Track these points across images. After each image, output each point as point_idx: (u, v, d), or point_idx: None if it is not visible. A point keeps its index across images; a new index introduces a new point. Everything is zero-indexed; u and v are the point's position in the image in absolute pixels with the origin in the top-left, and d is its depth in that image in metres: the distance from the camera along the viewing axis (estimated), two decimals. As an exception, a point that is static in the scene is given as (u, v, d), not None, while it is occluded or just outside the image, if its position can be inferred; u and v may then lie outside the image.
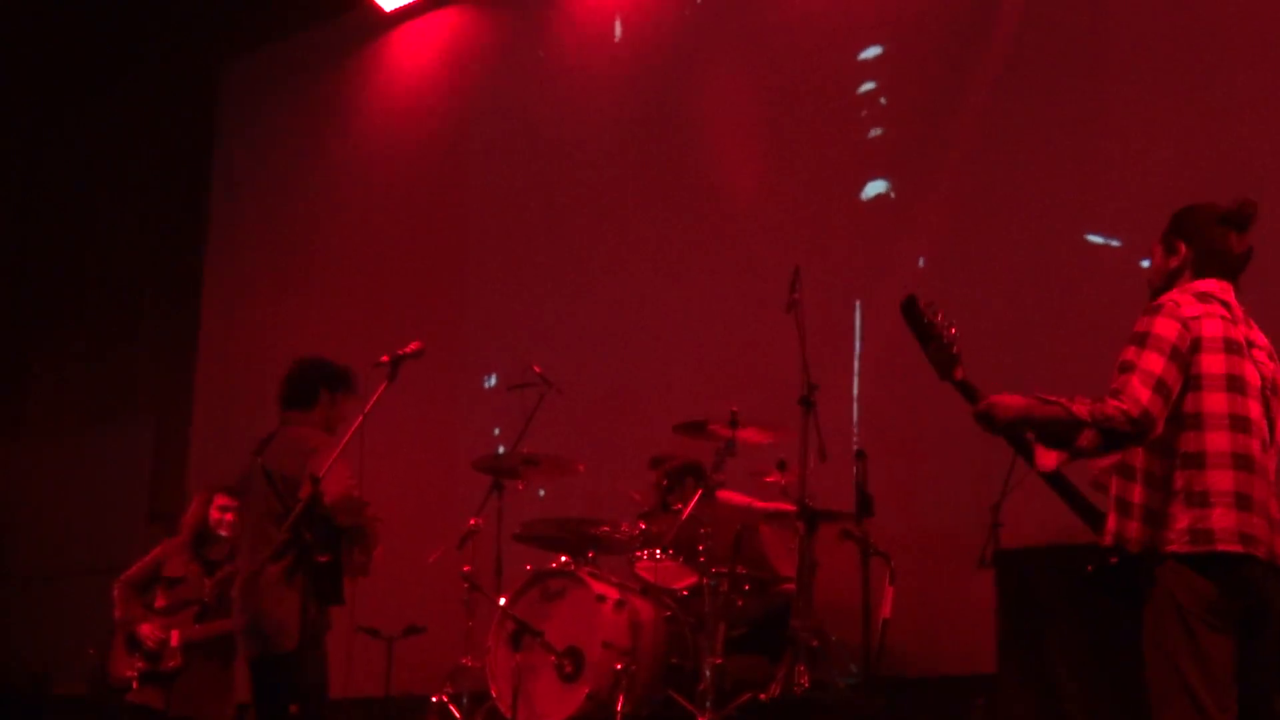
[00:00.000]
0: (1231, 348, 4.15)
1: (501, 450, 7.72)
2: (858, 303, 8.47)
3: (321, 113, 11.79)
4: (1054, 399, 4.08)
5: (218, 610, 7.22)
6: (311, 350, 10.50)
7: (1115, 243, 7.65)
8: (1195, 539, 3.99)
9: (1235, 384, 4.11)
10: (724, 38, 9.55)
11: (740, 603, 6.85)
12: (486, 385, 9.97)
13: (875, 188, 8.61)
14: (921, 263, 8.32)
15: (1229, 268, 4.31)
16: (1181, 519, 4.02)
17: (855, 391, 8.32)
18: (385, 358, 6.04)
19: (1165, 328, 4.11)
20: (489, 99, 10.72)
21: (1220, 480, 4.02)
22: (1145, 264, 7.26)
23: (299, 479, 5.74)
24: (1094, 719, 5.97)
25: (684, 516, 6.94)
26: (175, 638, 7.13)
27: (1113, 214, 7.65)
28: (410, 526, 7.95)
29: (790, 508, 6.75)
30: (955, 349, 4.30)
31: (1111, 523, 4.21)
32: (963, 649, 7.22)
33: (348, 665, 6.11)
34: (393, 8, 11.35)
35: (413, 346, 6.07)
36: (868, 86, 8.79)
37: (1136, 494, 4.13)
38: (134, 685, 7.12)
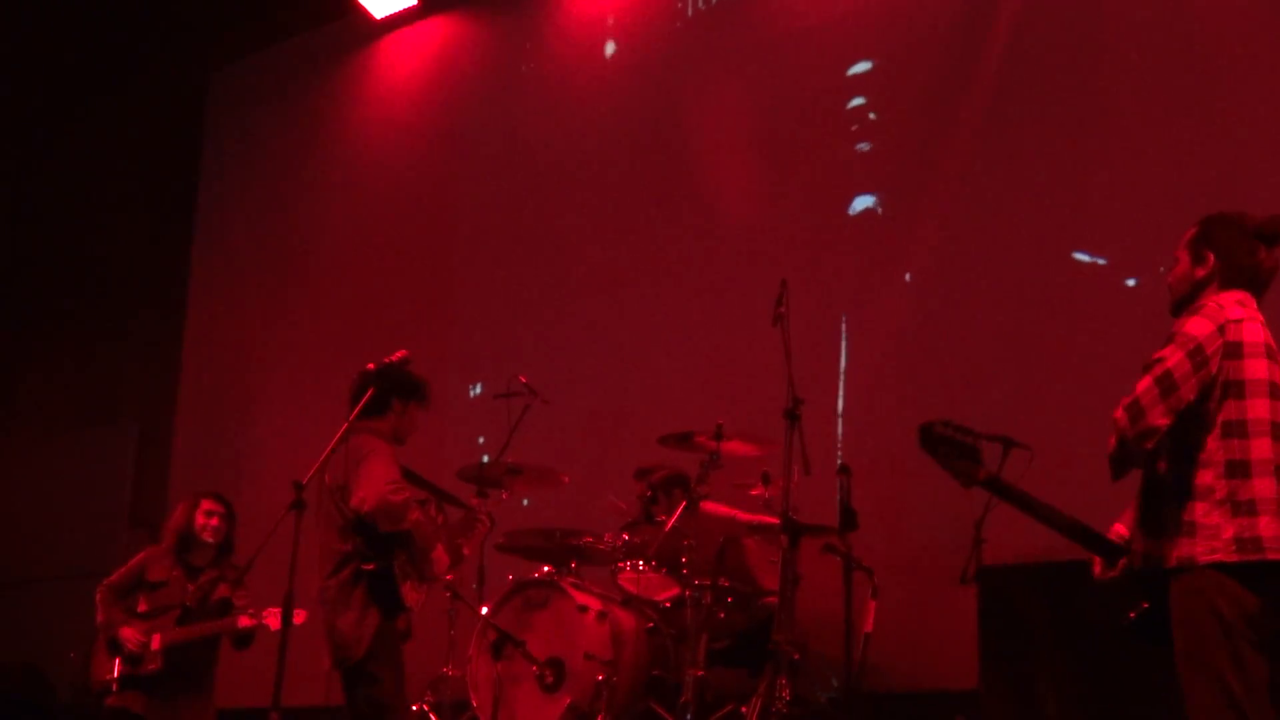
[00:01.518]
0: (1272, 354, 4.11)
1: (486, 460, 7.70)
2: (844, 317, 8.48)
3: (310, 120, 11.79)
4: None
5: (200, 614, 7.21)
6: (296, 357, 10.55)
7: (1101, 261, 7.67)
8: (1243, 548, 3.91)
9: (1276, 391, 4.06)
10: (714, 52, 9.56)
11: (722, 615, 6.84)
12: (472, 394, 9.96)
13: (863, 202, 8.62)
14: (908, 278, 8.34)
15: (1256, 282, 4.27)
16: (1227, 528, 3.94)
17: (840, 406, 8.32)
18: (371, 366, 6.04)
19: (1196, 326, 4.09)
20: (479, 108, 10.73)
21: (1265, 488, 3.95)
22: (1131, 282, 7.39)
23: (347, 486, 5.75)
24: (1075, 735, 5.99)
25: (667, 528, 6.94)
26: (156, 641, 7.11)
27: (1100, 232, 7.67)
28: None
29: (774, 520, 6.75)
30: (978, 449, 4.32)
31: (1139, 546, 4.16)
32: (944, 664, 7.22)
33: (329, 673, 6.08)
34: (383, 15, 11.35)
35: (398, 355, 6.08)
36: (857, 101, 8.81)
37: (1170, 512, 4.06)
38: (113, 688, 7.09)
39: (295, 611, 5.80)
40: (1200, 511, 3.99)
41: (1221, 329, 4.07)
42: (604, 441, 8.94)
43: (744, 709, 6.33)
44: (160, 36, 12.44)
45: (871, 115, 8.75)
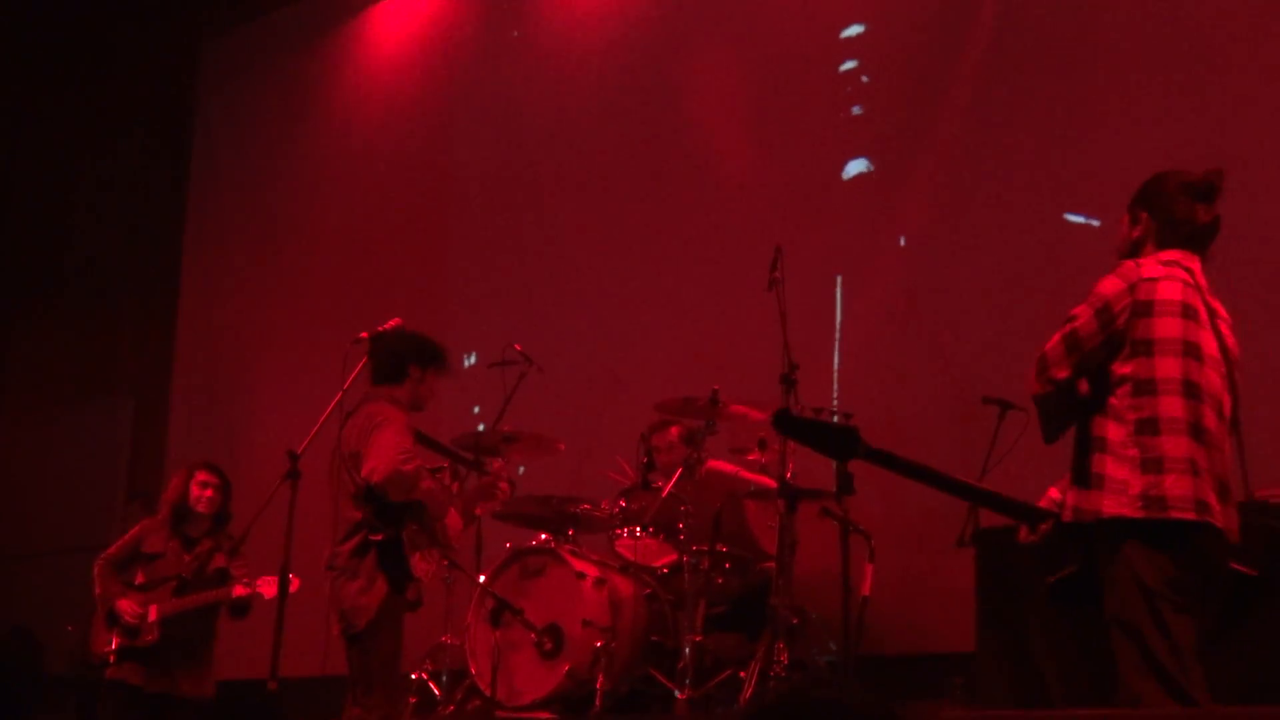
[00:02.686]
0: (1189, 313, 4.10)
1: (481, 428, 7.69)
2: (839, 281, 8.46)
3: (302, 89, 11.76)
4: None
5: (196, 585, 7.20)
6: (290, 328, 10.52)
7: (1095, 222, 7.65)
8: (1149, 505, 3.94)
9: (1191, 350, 4.06)
10: (705, 15, 9.52)
11: (720, 580, 6.85)
12: (467, 363, 9.94)
13: (857, 166, 8.60)
14: (903, 241, 8.33)
15: (1194, 239, 4.27)
16: (1135, 484, 3.97)
17: (836, 369, 8.32)
18: (364, 334, 6.04)
19: (1106, 285, 4.16)
20: (471, 76, 10.69)
21: (1175, 447, 3.97)
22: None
23: (360, 454, 5.73)
24: (1072, 698, 5.98)
25: (664, 494, 6.94)
26: (153, 612, 7.11)
27: (1093, 193, 7.64)
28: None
29: (774, 484, 6.74)
30: (851, 424, 4.23)
31: (1070, 498, 4.18)
32: (942, 627, 7.23)
33: (326, 643, 6.08)
34: (374, -17, 11.32)
35: (391, 324, 6.08)
36: (850, 65, 8.77)
37: (1093, 463, 4.09)
38: (111, 660, 7.09)
39: (290, 579, 5.81)
40: (1110, 465, 4.03)
41: (1132, 288, 4.12)
42: (600, 409, 8.93)
43: (742, 673, 6.35)
44: (151, 6, 12.38)
45: (864, 78, 8.72)
